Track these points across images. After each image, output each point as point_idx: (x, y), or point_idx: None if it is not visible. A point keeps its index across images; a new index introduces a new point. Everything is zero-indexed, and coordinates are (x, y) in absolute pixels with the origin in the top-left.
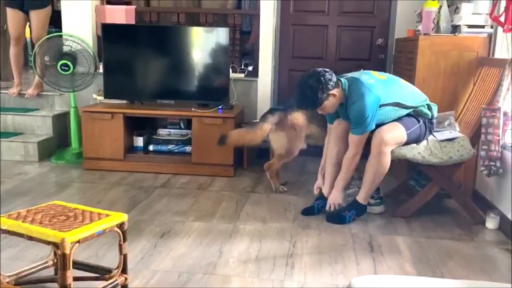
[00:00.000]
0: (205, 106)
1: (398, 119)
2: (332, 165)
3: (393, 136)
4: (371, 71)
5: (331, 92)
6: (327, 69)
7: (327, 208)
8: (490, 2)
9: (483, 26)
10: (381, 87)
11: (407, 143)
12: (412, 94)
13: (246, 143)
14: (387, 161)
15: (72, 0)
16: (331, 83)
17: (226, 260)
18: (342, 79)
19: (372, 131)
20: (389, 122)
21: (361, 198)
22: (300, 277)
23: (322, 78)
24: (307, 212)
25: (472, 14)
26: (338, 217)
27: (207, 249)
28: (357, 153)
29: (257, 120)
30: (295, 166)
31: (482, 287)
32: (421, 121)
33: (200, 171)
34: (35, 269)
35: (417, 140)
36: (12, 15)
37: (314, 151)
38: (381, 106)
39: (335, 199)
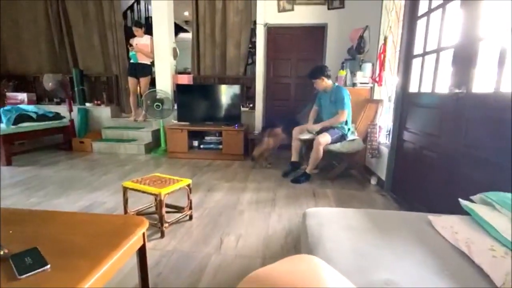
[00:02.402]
0: (228, 125)
1: (329, 130)
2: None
3: (324, 140)
4: None
5: (322, 77)
6: (329, 69)
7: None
8: (371, 70)
9: (367, 83)
10: (349, 96)
11: (331, 143)
12: (349, 118)
13: (264, 151)
14: (320, 151)
15: (161, 72)
16: (326, 73)
17: (241, 202)
18: (334, 83)
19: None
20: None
21: (308, 170)
22: (279, 210)
23: (324, 68)
24: (285, 174)
25: (362, 77)
26: (297, 180)
27: (230, 197)
28: (341, 118)
29: (256, 132)
30: (274, 154)
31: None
32: (340, 133)
33: (226, 158)
34: (146, 208)
35: (335, 142)
36: (131, 80)
37: (284, 147)
38: None
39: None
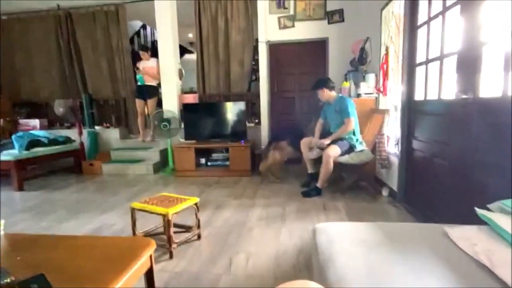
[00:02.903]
0: (234, 141)
1: (337, 142)
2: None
3: (333, 152)
4: None
5: (324, 88)
6: (331, 82)
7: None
8: (375, 81)
9: (372, 93)
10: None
11: (340, 155)
12: (357, 128)
13: (271, 165)
14: (331, 164)
15: (167, 93)
16: (328, 85)
17: (250, 219)
18: (338, 94)
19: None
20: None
21: (319, 184)
22: (289, 226)
23: (328, 79)
24: (304, 186)
25: (367, 87)
26: (307, 194)
27: (239, 213)
28: (348, 126)
29: (262, 147)
30: (283, 168)
31: (386, 226)
32: (349, 144)
33: (234, 174)
34: (154, 228)
35: (344, 153)
36: (138, 102)
37: (291, 161)
38: None
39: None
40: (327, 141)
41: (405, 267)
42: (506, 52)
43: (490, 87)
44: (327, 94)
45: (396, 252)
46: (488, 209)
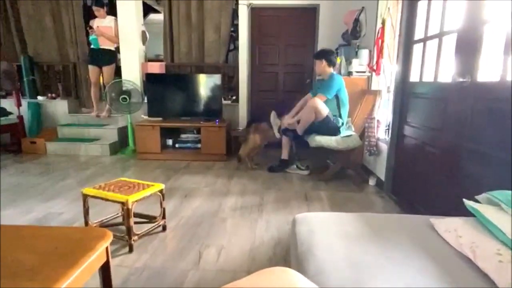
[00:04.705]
0: (208, 120)
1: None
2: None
3: (319, 103)
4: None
5: (323, 59)
6: (333, 57)
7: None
8: (368, 58)
9: (364, 72)
10: (343, 85)
11: (321, 128)
12: (345, 110)
13: (251, 150)
14: (312, 114)
15: (127, 59)
16: (329, 58)
17: (223, 209)
18: (334, 71)
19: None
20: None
21: (298, 130)
22: (266, 217)
23: (331, 52)
24: (270, 169)
25: (359, 65)
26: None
27: (211, 203)
28: (312, 102)
29: (240, 128)
30: (262, 153)
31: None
32: (334, 122)
33: (206, 159)
34: (111, 218)
35: (326, 130)
36: (92, 69)
37: (271, 145)
38: (336, 96)
39: (286, 121)
40: (291, 120)
41: (387, 259)
42: (508, 33)
43: (488, 70)
44: (323, 68)
45: (378, 244)
46: (477, 201)
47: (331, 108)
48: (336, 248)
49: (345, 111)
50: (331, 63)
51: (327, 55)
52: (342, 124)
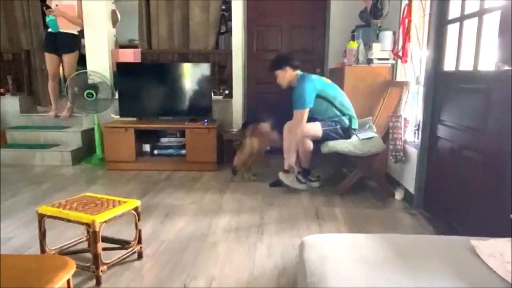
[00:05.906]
0: (194, 120)
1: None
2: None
3: (311, 129)
4: (322, 77)
5: (285, 67)
6: (295, 60)
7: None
8: (392, 42)
9: (388, 59)
10: (321, 83)
11: (329, 138)
12: (342, 103)
13: (248, 158)
14: (307, 144)
15: (93, 46)
16: (291, 63)
17: (214, 231)
18: (300, 72)
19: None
20: (318, 114)
21: (303, 164)
22: (268, 240)
23: (289, 55)
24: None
25: (380, 50)
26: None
27: (199, 223)
28: (298, 125)
29: (234, 130)
30: (261, 161)
31: (395, 239)
32: (338, 126)
33: (192, 168)
34: (73, 243)
35: (329, 137)
36: (49, 58)
37: (275, 151)
38: (318, 97)
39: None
40: (291, 158)
41: None
42: None
43: None
44: (290, 77)
45: (407, 273)
46: None
47: (323, 110)
48: (354, 279)
49: (341, 102)
50: (295, 67)
51: (288, 61)
52: (351, 118)
